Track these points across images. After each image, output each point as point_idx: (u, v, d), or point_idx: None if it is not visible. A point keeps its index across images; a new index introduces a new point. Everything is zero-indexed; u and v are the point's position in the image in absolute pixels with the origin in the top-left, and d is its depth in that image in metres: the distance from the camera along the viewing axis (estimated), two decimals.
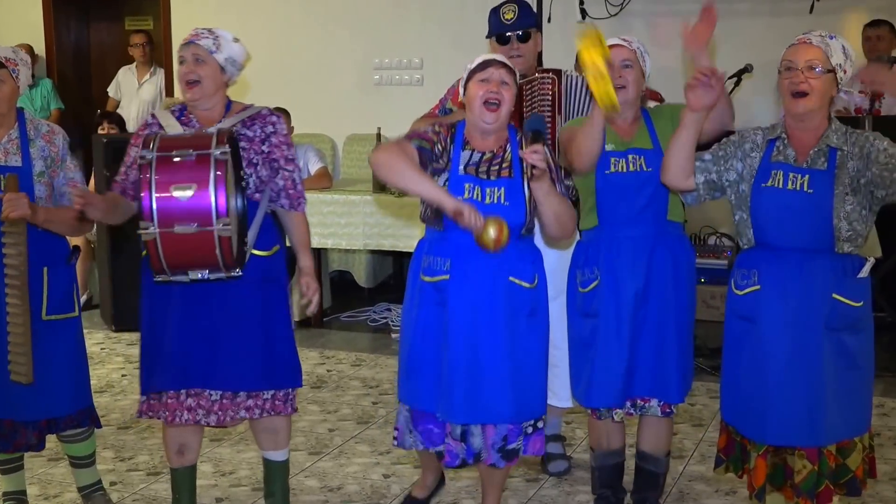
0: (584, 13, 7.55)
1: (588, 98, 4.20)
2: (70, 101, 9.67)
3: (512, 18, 4.25)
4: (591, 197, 3.82)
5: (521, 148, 3.50)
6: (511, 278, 3.47)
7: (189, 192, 3.33)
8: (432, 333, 3.51)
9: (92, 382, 4.32)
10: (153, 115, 3.75)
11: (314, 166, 7.18)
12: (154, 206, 3.33)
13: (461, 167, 3.48)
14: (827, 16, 7.11)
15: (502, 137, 3.54)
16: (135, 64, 9.36)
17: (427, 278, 3.52)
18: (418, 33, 8.17)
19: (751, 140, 3.42)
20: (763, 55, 6.84)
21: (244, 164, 3.64)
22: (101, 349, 6.64)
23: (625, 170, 3.75)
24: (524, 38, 4.26)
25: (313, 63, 8.59)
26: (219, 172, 3.34)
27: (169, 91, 9.18)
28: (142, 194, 3.35)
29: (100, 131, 7.63)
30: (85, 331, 4.11)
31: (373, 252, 7.54)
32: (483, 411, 3.47)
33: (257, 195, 3.69)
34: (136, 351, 6.51)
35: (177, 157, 3.36)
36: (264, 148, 3.70)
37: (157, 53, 9.43)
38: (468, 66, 3.54)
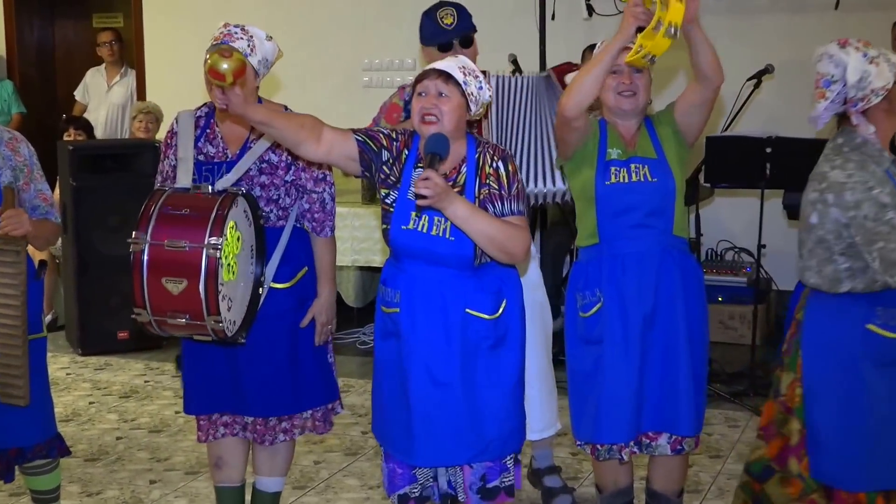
0: (590, 10, 7.60)
1: (526, 104, 4.30)
2: (33, 105, 9.69)
3: (452, 23, 4.28)
4: (591, 211, 3.83)
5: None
6: (468, 310, 3.41)
7: (180, 287, 3.47)
8: (391, 368, 3.50)
9: (57, 410, 4.38)
10: (177, 120, 3.83)
11: None
12: (146, 296, 3.50)
13: (411, 190, 3.39)
14: (853, 13, 7.15)
15: (457, 156, 3.44)
16: (104, 65, 9.37)
17: (384, 309, 3.52)
18: (412, 31, 8.07)
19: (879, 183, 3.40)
20: (784, 54, 6.92)
21: (262, 202, 3.73)
22: (67, 374, 6.67)
23: (627, 180, 3.77)
24: (467, 43, 4.30)
25: (297, 63, 8.56)
26: (210, 268, 3.46)
27: (141, 94, 9.21)
28: (133, 281, 3.50)
29: (65, 138, 7.66)
30: (49, 354, 4.15)
31: (362, 269, 7.53)
32: (443, 452, 3.44)
33: (281, 222, 3.79)
34: (104, 376, 6.62)
35: (169, 246, 3.50)
36: (288, 177, 3.77)
37: (128, 53, 9.44)
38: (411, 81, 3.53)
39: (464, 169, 3.42)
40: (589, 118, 3.82)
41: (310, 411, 3.92)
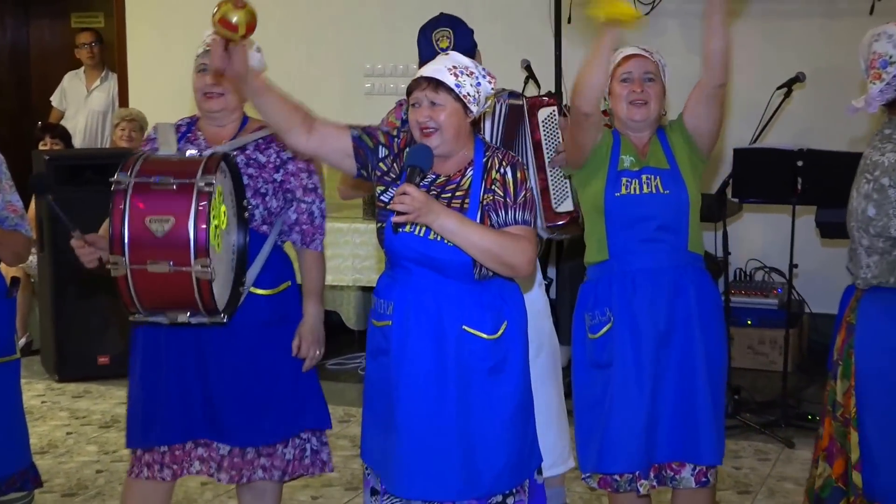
0: None
1: (499, 132, 4.34)
2: (5, 111, 9.71)
3: (448, 47, 4.29)
4: (600, 225, 3.87)
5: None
6: (465, 327, 3.40)
7: (165, 226, 3.43)
8: (379, 387, 3.51)
9: (32, 441, 4.37)
10: (154, 128, 3.86)
11: None
12: (126, 238, 3.42)
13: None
14: (889, 17, 7.16)
15: (463, 160, 3.50)
16: (83, 68, 9.36)
17: (375, 322, 3.54)
18: (415, 36, 8.12)
19: None
20: (817, 62, 6.98)
21: (249, 193, 3.77)
22: (43, 402, 6.66)
23: (638, 191, 3.82)
24: None
25: (294, 68, 8.57)
26: (202, 205, 3.44)
27: (123, 100, 9.19)
28: (112, 224, 3.44)
29: (41, 147, 7.65)
30: (23, 380, 4.16)
31: (364, 289, 7.55)
32: (428, 485, 3.40)
33: (265, 227, 3.83)
34: (83, 405, 6.59)
35: (156, 184, 3.47)
36: (277, 176, 3.83)
37: (109, 56, 9.43)
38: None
39: (469, 173, 3.47)
40: (601, 119, 3.88)
41: (292, 451, 3.90)
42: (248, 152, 3.81)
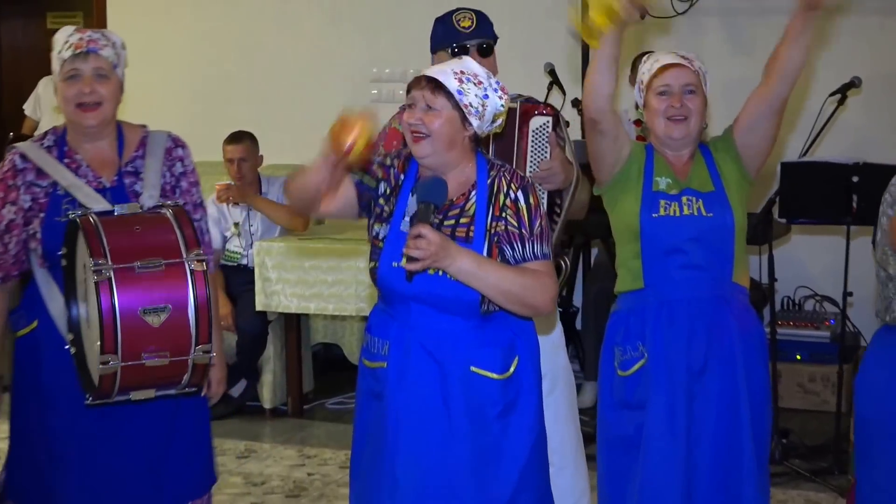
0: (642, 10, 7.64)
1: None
2: None
3: (470, 26, 4.28)
4: (634, 249, 3.88)
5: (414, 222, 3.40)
6: (473, 368, 3.37)
7: (162, 316, 3.39)
8: (372, 433, 3.47)
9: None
10: (22, 155, 3.74)
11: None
12: (119, 335, 3.35)
13: (405, 220, 3.41)
14: None
15: (466, 181, 3.46)
16: None
17: (367, 363, 3.51)
18: (427, 36, 8.10)
19: None
20: (874, 65, 6.96)
21: None
22: None
23: (678, 213, 3.83)
24: (486, 52, 4.30)
25: (292, 73, 8.71)
26: (198, 287, 3.41)
27: None
28: (102, 321, 3.35)
29: None
30: None
31: (367, 319, 7.53)
32: None
33: None
34: None
35: (141, 269, 3.41)
36: (177, 199, 3.78)
37: None
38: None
39: (473, 196, 3.43)
40: (620, 123, 3.87)
41: None
42: (135, 165, 3.81)
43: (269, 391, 7.09)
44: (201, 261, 3.42)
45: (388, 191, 3.47)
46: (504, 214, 3.38)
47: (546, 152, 4.18)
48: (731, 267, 3.84)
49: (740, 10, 7.52)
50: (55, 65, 3.73)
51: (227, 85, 8.77)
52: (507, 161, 4.07)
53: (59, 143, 3.79)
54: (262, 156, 7.48)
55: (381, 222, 3.45)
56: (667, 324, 3.79)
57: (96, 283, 3.33)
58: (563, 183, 4.15)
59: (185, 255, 3.42)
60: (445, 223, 3.39)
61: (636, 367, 3.81)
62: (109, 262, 3.35)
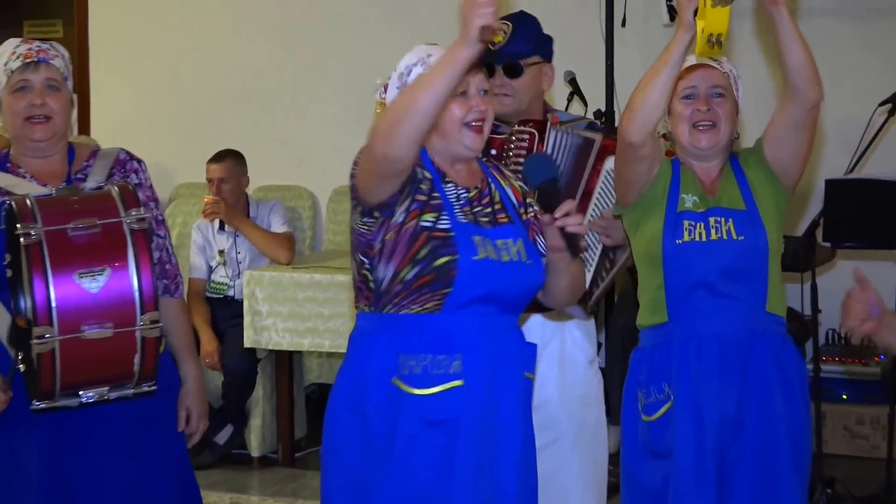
0: (672, 13, 7.59)
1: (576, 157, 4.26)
2: None
3: (500, 42, 4.28)
4: (656, 278, 3.86)
5: (527, 206, 3.57)
6: (526, 374, 3.50)
7: (101, 280, 3.39)
8: (422, 470, 3.39)
9: None
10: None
11: (277, 229, 7.38)
12: (53, 301, 3.35)
13: (458, 211, 3.47)
14: None
15: (476, 166, 3.62)
16: None
17: (418, 391, 3.40)
18: (439, 43, 8.11)
19: None
20: None
21: None
22: None
23: (705, 238, 3.79)
24: (514, 72, 4.29)
25: (286, 87, 8.74)
26: (139, 247, 3.43)
27: (84, 125, 9.31)
28: (33, 286, 3.36)
29: None
30: None
31: None
32: None
33: None
34: None
35: (75, 230, 3.41)
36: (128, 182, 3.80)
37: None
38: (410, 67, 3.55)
39: (489, 180, 3.59)
40: (659, 148, 3.85)
41: None
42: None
43: (257, 437, 7.10)
44: (142, 219, 3.45)
45: (422, 176, 3.47)
46: (528, 201, 3.58)
47: (612, 199, 4.19)
48: (765, 296, 3.80)
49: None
50: (1, 77, 3.75)
51: (217, 99, 8.81)
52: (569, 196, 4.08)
53: (2, 160, 3.82)
54: (248, 177, 7.51)
55: (431, 211, 3.42)
56: (694, 362, 3.77)
57: (25, 248, 3.36)
58: (621, 239, 4.14)
59: (122, 215, 3.44)
60: (484, 211, 3.49)
61: (662, 411, 3.80)
62: (40, 225, 3.38)
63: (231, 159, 7.38)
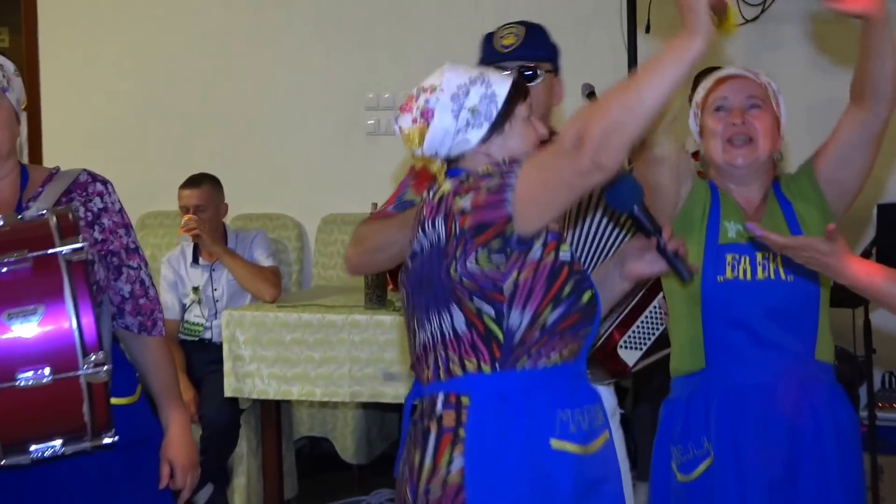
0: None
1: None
2: None
3: (513, 45, 4.30)
4: (693, 319, 3.87)
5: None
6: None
7: (34, 320, 3.34)
8: None
9: None
10: None
11: (261, 263, 7.35)
12: None
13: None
14: None
15: None
16: None
17: (581, 448, 3.38)
18: (431, 56, 8.08)
19: None
20: None
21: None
22: None
23: (749, 276, 3.80)
24: (529, 77, 4.27)
25: (268, 102, 8.72)
26: (77, 281, 3.38)
27: (35, 142, 9.28)
28: None
29: None
30: None
31: (365, 406, 7.56)
32: None
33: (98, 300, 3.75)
34: None
35: (3, 265, 3.37)
36: (97, 235, 3.80)
37: None
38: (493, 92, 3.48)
39: None
40: (682, 148, 3.88)
41: None
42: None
43: (242, 498, 7.09)
44: (79, 250, 3.40)
45: None
46: None
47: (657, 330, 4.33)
48: (813, 342, 3.83)
49: (824, 17, 7.42)
50: None
51: (185, 118, 8.79)
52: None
53: None
54: (226, 204, 7.50)
55: (564, 242, 3.41)
56: (735, 415, 3.78)
57: None
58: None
59: (57, 245, 3.39)
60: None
61: (701, 468, 3.80)
62: None
63: (208, 184, 7.36)
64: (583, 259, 4.28)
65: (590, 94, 6.98)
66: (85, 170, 3.86)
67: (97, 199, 3.81)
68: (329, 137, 8.50)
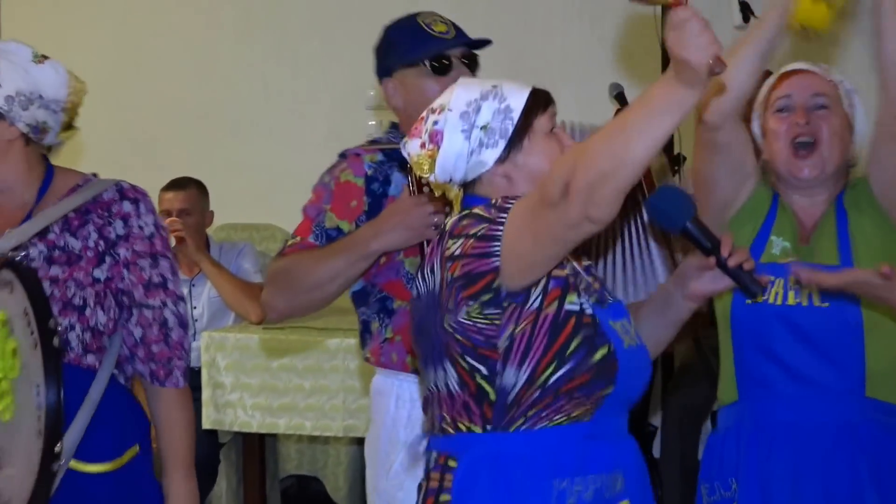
0: (747, 12, 7.64)
1: None
2: None
3: (447, 31, 4.31)
4: (727, 345, 3.90)
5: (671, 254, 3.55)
6: None
7: None
8: None
9: None
10: None
11: (249, 278, 7.31)
12: None
13: (589, 296, 3.38)
14: None
15: None
16: None
17: None
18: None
19: None
20: None
21: (56, 308, 3.63)
22: None
23: (780, 300, 3.77)
24: (474, 66, 4.31)
25: (255, 99, 8.81)
26: None
27: None
28: None
29: None
30: None
31: (359, 442, 7.36)
32: None
33: (90, 358, 3.70)
34: None
35: None
36: (99, 272, 3.70)
37: None
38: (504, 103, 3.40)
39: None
40: (747, 141, 3.87)
41: None
42: (51, 237, 3.72)
43: None
44: None
45: None
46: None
47: None
48: (861, 378, 3.75)
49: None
50: None
51: (163, 117, 8.88)
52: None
53: None
54: (212, 212, 7.51)
55: (574, 291, 3.30)
56: (764, 457, 3.77)
57: None
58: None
59: None
60: (593, 288, 3.38)
61: None
62: None
63: (194, 188, 7.37)
64: (618, 286, 4.24)
65: (618, 95, 6.98)
66: (118, 183, 3.77)
67: (118, 224, 3.71)
68: (325, 139, 8.44)
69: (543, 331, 3.19)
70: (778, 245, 3.81)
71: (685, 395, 6.92)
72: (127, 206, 3.72)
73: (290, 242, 4.33)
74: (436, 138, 3.32)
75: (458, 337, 3.23)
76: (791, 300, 3.73)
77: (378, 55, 4.46)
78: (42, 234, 3.68)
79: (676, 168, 6.45)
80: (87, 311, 3.68)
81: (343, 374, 6.75)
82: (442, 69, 4.23)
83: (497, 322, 3.19)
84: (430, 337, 3.30)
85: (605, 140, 2.99)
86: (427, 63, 4.24)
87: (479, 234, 3.17)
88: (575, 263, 3.39)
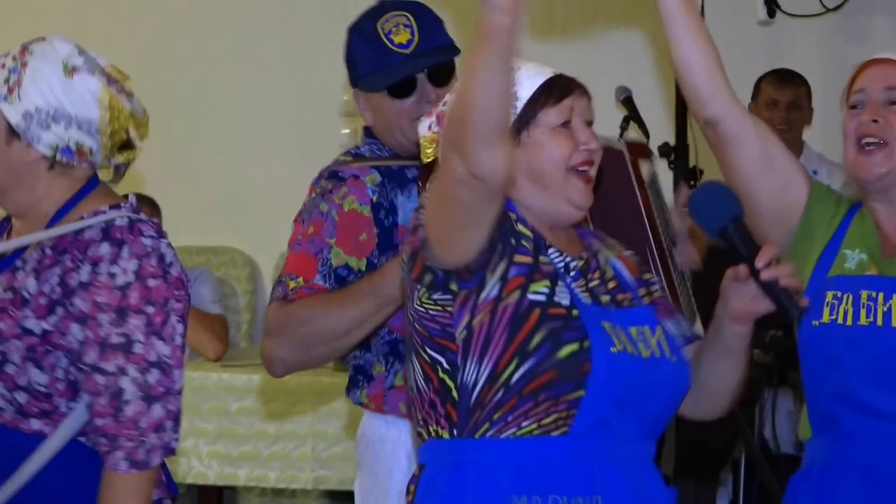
0: (772, 7, 7.70)
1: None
2: None
3: (410, 41, 4.24)
4: (803, 374, 3.84)
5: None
6: None
7: None
8: None
9: None
10: None
11: (206, 308, 7.31)
12: None
13: (581, 292, 3.42)
14: None
15: (572, 231, 3.62)
16: None
17: None
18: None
19: None
20: None
21: None
22: None
23: (850, 320, 3.66)
24: (442, 78, 4.26)
25: (214, 106, 8.76)
26: None
27: None
28: None
29: None
30: None
31: (332, 495, 7.48)
32: None
33: (33, 423, 3.60)
34: None
35: None
36: (37, 325, 3.56)
37: None
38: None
39: (592, 247, 3.57)
40: (767, 132, 3.81)
41: None
42: (19, 275, 3.65)
43: None
44: None
45: (519, 231, 3.44)
46: (645, 277, 3.59)
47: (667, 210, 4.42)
48: None
49: None
50: None
51: None
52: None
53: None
54: (165, 232, 7.18)
55: (542, 279, 3.37)
56: (830, 501, 3.69)
57: None
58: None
59: None
60: (605, 287, 3.48)
61: None
62: None
63: (146, 207, 7.19)
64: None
65: (626, 99, 6.81)
66: (110, 222, 3.58)
67: (85, 269, 3.53)
68: (293, 152, 8.54)
69: (504, 322, 3.27)
70: (853, 258, 3.75)
71: (700, 440, 6.77)
72: (104, 249, 3.53)
73: (292, 286, 4.20)
74: (442, 120, 3.44)
75: (417, 326, 3.36)
76: (862, 320, 3.64)
77: (345, 61, 4.47)
78: (12, 269, 3.62)
79: (692, 182, 6.44)
80: (10, 368, 3.56)
81: (312, 418, 6.73)
82: (403, 93, 4.22)
83: (449, 309, 3.29)
84: (406, 331, 3.47)
85: (456, 92, 3.24)
86: (383, 90, 4.25)
87: (419, 207, 3.37)
88: (576, 262, 3.46)
